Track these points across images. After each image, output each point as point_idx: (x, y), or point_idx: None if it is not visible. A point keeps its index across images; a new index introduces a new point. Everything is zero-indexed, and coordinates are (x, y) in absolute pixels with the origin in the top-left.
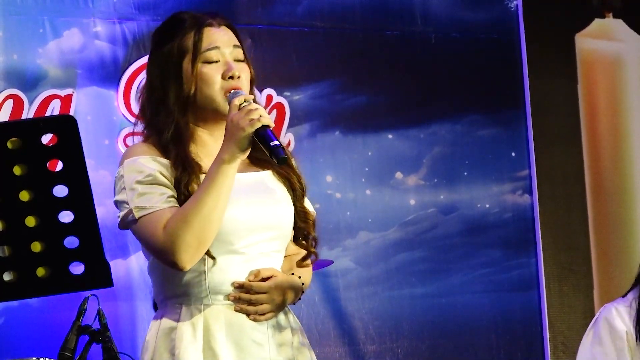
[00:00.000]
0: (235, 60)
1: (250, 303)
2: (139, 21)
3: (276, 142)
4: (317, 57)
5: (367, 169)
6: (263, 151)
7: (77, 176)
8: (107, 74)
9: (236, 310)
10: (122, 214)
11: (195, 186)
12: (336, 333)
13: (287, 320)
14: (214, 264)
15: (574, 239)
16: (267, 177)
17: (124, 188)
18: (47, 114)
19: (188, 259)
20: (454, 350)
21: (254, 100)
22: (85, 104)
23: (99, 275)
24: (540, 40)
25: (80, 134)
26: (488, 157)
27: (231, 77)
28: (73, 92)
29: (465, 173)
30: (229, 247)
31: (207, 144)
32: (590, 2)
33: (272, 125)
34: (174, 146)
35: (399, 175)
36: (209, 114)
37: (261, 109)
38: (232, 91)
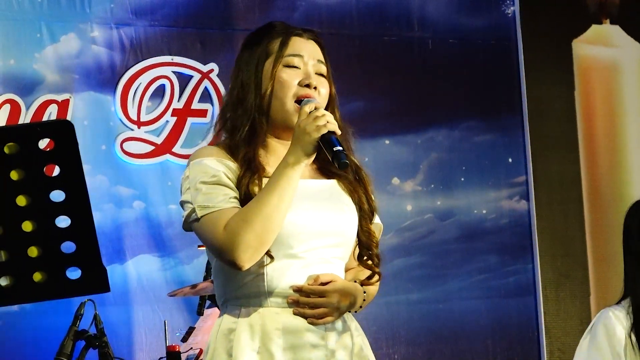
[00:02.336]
0: (316, 73)
1: (308, 307)
2: (136, 26)
3: (339, 148)
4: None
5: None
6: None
7: (74, 181)
8: (104, 79)
9: (294, 314)
10: (185, 213)
11: (255, 188)
12: None
13: (347, 326)
14: (273, 267)
15: (570, 245)
16: (332, 186)
17: (189, 188)
18: (44, 118)
19: (247, 258)
20: (450, 355)
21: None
22: (82, 109)
23: (96, 281)
24: (538, 46)
25: (77, 139)
26: (485, 163)
27: (307, 86)
28: (70, 97)
29: (462, 179)
30: (289, 251)
31: (277, 151)
32: (588, 9)
33: (339, 132)
34: (244, 146)
35: (395, 180)
36: (280, 123)
37: (329, 116)
38: (305, 99)
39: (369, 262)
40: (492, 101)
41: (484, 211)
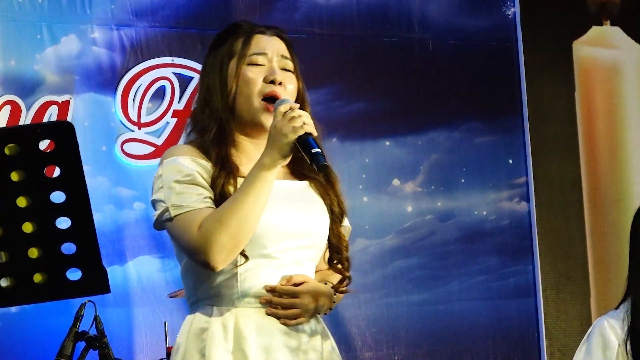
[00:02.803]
0: (281, 69)
1: (281, 307)
2: (136, 27)
3: (317, 150)
4: (314, 63)
5: (364, 176)
6: (304, 163)
7: (74, 182)
8: (105, 80)
9: (267, 314)
10: (158, 212)
11: (231, 188)
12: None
13: (318, 327)
14: (246, 268)
15: (571, 246)
16: (305, 188)
17: (162, 187)
18: (45, 120)
19: (221, 260)
20: (451, 356)
21: (301, 109)
22: (82, 110)
23: (96, 282)
24: (538, 47)
25: (78, 140)
26: (485, 164)
27: (272, 82)
28: (70, 98)
29: (463, 180)
30: (262, 251)
31: (249, 150)
32: (588, 10)
33: (315, 133)
34: (215, 147)
35: (396, 182)
36: (247, 121)
37: (305, 116)
38: (279, 99)
39: (339, 266)
40: (492, 102)
41: (485, 212)
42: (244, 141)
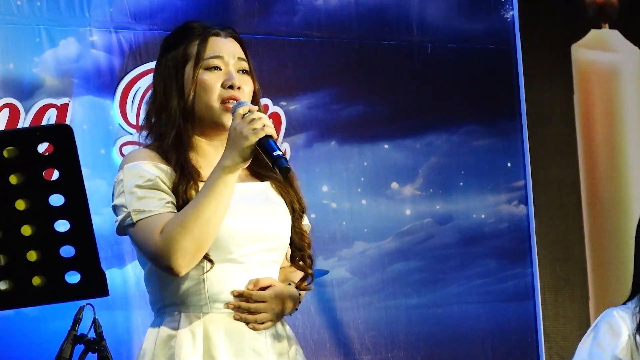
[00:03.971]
0: (238, 71)
1: (249, 312)
2: (135, 30)
3: (279, 152)
4: (313, 67)
5: (363, 179)
6: (262, 164)
7: (73, 185)
8: (104, 83)
9: (235, 319)
10: (120, 217)
11: (193, 192)
12: (332, 343)
13: (284, 330)
14: (213, 273)
15: (569, 249)
16: (266, 188)
17: (123, 192)
18: (43, 123)
19: (184, 264)
20: None
21: (259, 110)
22: (81, 113)
23: (95, 285)
24: (537, 50)
25: (77, 143)
26: (484, 168)
27: (231, 87)
28: (69, 101)
29: (461, 183)
30: (228, 256)
31: (208, 153)
32: (587, 13)
33: (275, 135)
34: (175, 152)
35: (394, 185)
36: (207, 122)
37: (265, 118)
38: (237, 101)
39: (301, 263)
40: (491, 106)
41: (483, 216)
42: (202, 144)
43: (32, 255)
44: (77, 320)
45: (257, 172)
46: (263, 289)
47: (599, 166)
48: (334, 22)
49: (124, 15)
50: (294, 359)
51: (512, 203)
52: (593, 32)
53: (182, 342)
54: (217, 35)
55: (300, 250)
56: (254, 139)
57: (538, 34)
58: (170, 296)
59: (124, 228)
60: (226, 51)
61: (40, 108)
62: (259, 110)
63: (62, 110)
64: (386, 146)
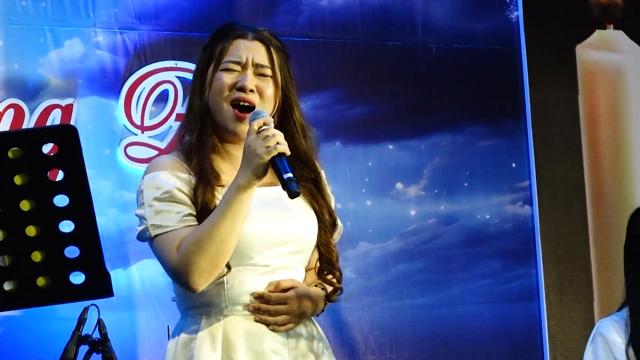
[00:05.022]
0: (257, 75)
1: (269, 313)
2: (139, 31)
3: (289, 175)
4: (318, 67)
5: (367, 180)
6: None
7: (77, 186)
8: (108, 83)
9: (255, 321)
10: (140, 228)
11: (210, 197)
12: (336, 344)
13: (308, 331)
14: (233, 276)
15: (574, 250)
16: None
17: (143, 204)
18: (48, 123)
19: (201, 283)
20: None
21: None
22: (86, 114)
23: (99, 285)
24: (541, 50)
25: (81, 143)
26: (488, 168)
27: (242, 89)
28: (74, 102)
29: (466, 184)
30: (248, 261)
31: (232, 156)
32: (591, 13)
33: (288, 153)
34: (195, 154)
35: (399, 185)
36: (221, 124)
37: (279, 135)
38: (254, 112)
39: (330, 276)
40: (495, 106)
41: (488, 216)
42: (227, 146)
43: (36, 256)
44: (81, 321)
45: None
46: (284, 290)
47: (603, 166)
48: (338, 23)
49: (128, 16)
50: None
51: (517, 203)
52: (598, 33)
53: (202, 344)
54: (242, 37)
55: (328, 264)
56: (266, 158)
57: (543, 35)
58: (192, 299)
59: (144, 238)
60: (247, 54)
61: (44, 109)
62: (289, 123)
63: (67, 110)
64: (391, 147)
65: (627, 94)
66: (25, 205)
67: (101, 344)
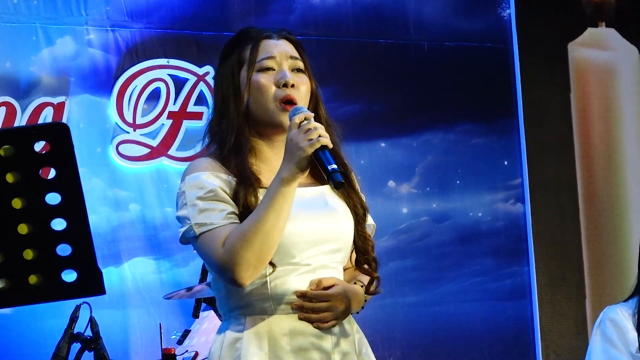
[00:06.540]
0: (293, 70)
1: (313, 311)
2: (131, 29)
3: (334, 166)
4: (310, 65)
5: (359, 178)
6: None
7: (69, 184)
8: (100, 81)
9: (299, 319)
10: (183, 229)
11: (253, 199)
12: None
13: (351, 329)
14: (276, 275)
15: (566, 247)
16: (326, 192)
17: (186, 204)
18: (40, 121)
19: (247, 277)
20: (446, 358)
21: (315, 119)
22: (78, 112)
23: (92, 283)
24: (533, 49)
25: (73, 141)
26: (481, 166)
27: (285, 85)
28: (66, 100)
29: (458, 182)
30: (290, 260)
31: (268, 158)
32: (583, 11)
33: (331, 145)
34: (234, 157)
35: (391, 183)
36: (265, 123)
37: (320, 128)
38: (294, 107)
39: (366, 266)
40: (487, 104)
41: (480, 214)
42: (263, 147)
43: (28, 254)
44: (73, 319)
45: (317, 174)
46: (326, 288)
47: (595, 164)
48: (330, 21)
49: (120, 14)
50: (361, 357)
51: (509, 201)
52: (590, 31)
53: (249, 344)
54: (269, 37)
55: (364, 254)
56: (310, 151)
57: (535, 33)
58: (235, 300)
59: (188, 239)
60: (278, 51)
61: (36, 107)
62: (316, 107)
63: (59, 108)
64: (383, 144)
65: (619, 92)
66: (17, 203)
67: (93, 342)
